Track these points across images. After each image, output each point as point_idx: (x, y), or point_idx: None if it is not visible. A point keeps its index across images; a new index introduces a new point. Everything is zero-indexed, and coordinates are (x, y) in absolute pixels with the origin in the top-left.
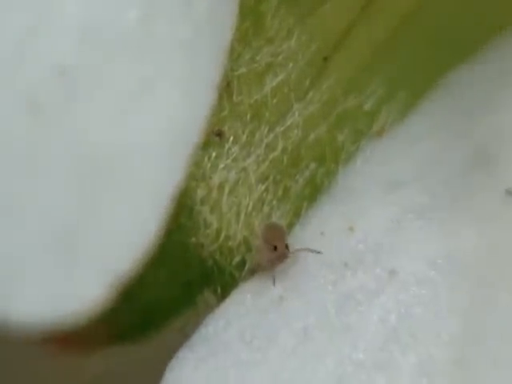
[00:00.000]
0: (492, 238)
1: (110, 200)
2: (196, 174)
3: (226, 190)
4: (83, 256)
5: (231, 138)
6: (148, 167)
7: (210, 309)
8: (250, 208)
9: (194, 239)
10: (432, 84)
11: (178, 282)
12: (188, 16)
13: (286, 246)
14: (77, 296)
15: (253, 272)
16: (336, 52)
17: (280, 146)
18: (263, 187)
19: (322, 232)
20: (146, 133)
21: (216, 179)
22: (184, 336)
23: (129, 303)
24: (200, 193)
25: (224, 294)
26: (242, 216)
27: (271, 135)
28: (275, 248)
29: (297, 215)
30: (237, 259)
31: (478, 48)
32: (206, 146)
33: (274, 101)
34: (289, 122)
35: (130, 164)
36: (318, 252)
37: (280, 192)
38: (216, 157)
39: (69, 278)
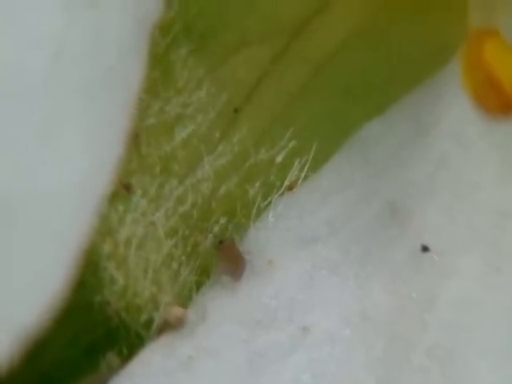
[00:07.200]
0: (405, 295)
1: (10, 254)
2: (102, 228)
3: (134, 244)
4: None
5: (139, 191)
6: (50, 220)
7: (113, 372)
8: (158, 264)
9: (98, 297)
10: (344, 138)
11: (80, 344)
12: (96, 64)
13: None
14: None
15: (161, 331)
16: (247, 103)
17: (190, 200)
18: (172, 242)
19: (233, 288)
20: (48, 182)
21: (123, 234)
22: None
23: (27, 366)
24: (106, 248)
25: (130, 355)
26: (150, 272)
27: (181, 188)
28: (236, 261)
29: (206, 272)
30: (144, 317)
31: (391, 103)
32: (113, 199)
33: (184, 153)
34: (199, 175)
35: (31, 215)
36: None
37: (189, 247)
38: (123, 210)
39: None
